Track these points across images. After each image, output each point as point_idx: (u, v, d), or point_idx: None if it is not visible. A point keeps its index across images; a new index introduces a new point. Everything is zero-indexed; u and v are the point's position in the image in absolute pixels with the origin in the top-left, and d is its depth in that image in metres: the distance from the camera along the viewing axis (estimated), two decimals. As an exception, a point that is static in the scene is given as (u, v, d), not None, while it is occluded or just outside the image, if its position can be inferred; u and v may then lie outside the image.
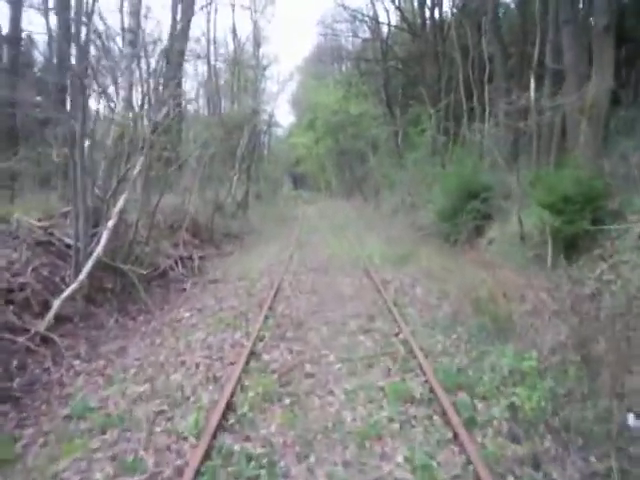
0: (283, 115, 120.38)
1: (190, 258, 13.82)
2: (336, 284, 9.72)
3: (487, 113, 20.02)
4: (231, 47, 33.41)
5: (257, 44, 33.67)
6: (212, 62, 28.65)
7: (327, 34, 39.14)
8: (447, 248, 14.48)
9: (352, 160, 38.07)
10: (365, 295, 8.71)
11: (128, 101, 10.23)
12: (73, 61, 8.72)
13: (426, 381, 5.00)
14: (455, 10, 26.96)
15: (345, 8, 31.15)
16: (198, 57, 30.08)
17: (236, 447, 3.99)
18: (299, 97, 54.71)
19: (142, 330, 7.70)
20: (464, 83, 22.09)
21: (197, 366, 5.71)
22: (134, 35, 10.65)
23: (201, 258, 14.60)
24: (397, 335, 6.45)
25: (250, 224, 21.54)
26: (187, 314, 8.40)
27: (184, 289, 10.95)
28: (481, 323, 6.41)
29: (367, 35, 34.98)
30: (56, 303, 6.90)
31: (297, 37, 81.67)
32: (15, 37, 16.82)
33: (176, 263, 12.81)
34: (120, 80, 10.81)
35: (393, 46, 34.46)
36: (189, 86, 30.36)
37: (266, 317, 7.41)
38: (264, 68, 32.28)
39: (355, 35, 35.58)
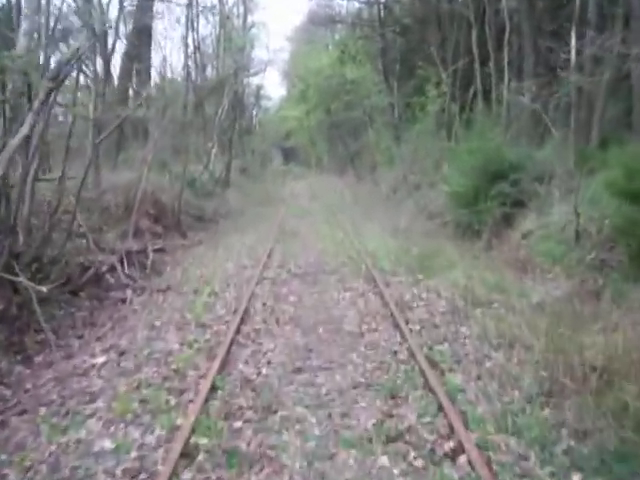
0: (274, 87, 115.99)
1: (143, 252, 10.66)
2: (331, 306, 6.56)
3: (506, 79, 16.79)
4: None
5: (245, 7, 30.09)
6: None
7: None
8: (469, 242, 11.44)
9: (345, 134, 34.64)
10: (377, 335, 5.51)
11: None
12: None
13: None
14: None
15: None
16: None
17: None
18: (290, 69, 50.78)
19: (30, 386, 4.62)
20: (477, 45, 18.75)
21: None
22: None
23: (159, 251, 11.42)
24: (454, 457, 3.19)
25: (229, 204, 18.30)
26: (100, 359, 5.27)
27: (123, 301, 7.81)
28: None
29: (364, -4, 31.32)
30: None
31: (289, 4, 76.96)
32: None
33: (121, 261, 9.66)
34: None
35: (392, 9, 30.88)
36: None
37: (213, 388, 4.24)
38: (250, 27, 28.62)
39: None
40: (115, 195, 12.44)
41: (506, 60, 16.82)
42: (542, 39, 15.75)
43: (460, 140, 16.73)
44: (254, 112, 47.26)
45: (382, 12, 30.46)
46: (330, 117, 37.20)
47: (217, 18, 23.47)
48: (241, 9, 30.29)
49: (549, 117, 16.61)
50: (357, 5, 35.23)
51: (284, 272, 8.37)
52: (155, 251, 11.25)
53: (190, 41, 19.67)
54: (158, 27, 25.74)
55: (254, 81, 45.69)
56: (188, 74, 17.75)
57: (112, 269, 9.29)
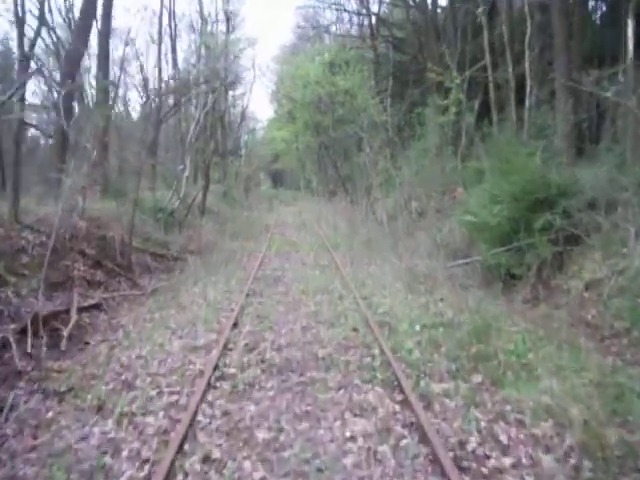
0: (263, 110, 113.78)
1: (64, 315, 7.56)
2: (332, 457, 3.45)
3: (529, 86, 14.00)
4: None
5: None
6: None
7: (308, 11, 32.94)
8: (506, 291, 8.45)
9: (335, 156, 31.78)
10: None
11: None
12: None
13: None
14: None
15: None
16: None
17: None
18: (278, 89, 48.06)
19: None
20: (489, 50, 15.98)
21: None
22: None
23: (93, 309, 8.34)
24: None
25: (202, 237, 15.16)
26: None
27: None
28: None
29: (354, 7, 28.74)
30: None
31: (276, 23, 75.02)
32: None
33: (23, 332, 6.62)
34: None
35: (386, 20, 28.36)
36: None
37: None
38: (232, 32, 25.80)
39: (340, 8, 29.23)
40: (40, 232, 9.30)
41: (527, 63, 14.04)
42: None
43: (477, 158, 13.82)
44: (241, 134, 44.44)
45: (374, 24, 27.96)
46: (319, 138, 34.42)
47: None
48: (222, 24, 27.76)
49: (583, 130, 13.80)
50: (347, 18, 32.85)
51: (254, 362, 5.21)
52: (86, 309, 8.16)
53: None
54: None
55: (240, 102, 43.16)
56: (145, 80, 14.71)
57: (4, 345, 6.28)
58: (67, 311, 7.67)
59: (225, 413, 4.12)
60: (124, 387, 4.83)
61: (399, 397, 4.21)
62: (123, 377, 5.08)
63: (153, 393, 4.61)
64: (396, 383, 4.45)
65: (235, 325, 6.54)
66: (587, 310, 7.39)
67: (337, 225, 18.61)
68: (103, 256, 10.29)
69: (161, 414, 4.16)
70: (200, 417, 4.03)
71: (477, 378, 4.44)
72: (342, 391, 4.41)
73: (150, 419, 4.10)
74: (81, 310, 7.91)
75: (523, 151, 10.02)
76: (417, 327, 5.94)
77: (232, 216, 22.97)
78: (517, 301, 8.23)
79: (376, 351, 5.27)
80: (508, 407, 3.88)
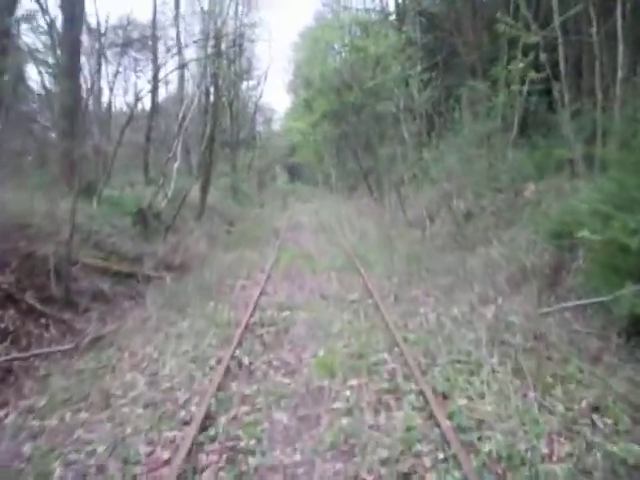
0: (279, 102, 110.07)
1: None
2: None
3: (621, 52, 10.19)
4: None
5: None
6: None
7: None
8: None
9: (357, 147, 27.98)
10: None
11: None
12: None
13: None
14: None
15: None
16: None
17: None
18: (295, 79, 44.15)
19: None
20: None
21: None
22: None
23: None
24: None
25: (194, 245, 11.63)
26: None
27: None
28: None
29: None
30: None
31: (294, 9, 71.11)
32: None
33: None
34: None
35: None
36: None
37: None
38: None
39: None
40: None
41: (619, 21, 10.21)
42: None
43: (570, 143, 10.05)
44: (255, 124, 40.88)
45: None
46: (339, 128, 30.68)
47: None
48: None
49: None
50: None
51: None
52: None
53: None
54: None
55: (254, 93, 39.60)
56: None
57: None
58: None
59: None
60: None
61: None
62: None
63: None
64: None
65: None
66: None
67: (362, 229, 14.91)
68: (28, 284, 6.82)
69: None
70: None
71: None
72: None
73: None
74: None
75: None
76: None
77: (239, 215, 19.45)
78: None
79: None
80: None
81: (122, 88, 29.40)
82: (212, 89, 15.87)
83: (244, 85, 39.17)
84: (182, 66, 17.00)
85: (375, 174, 25.13)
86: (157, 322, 6.30)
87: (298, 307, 6.80)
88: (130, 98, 24.30)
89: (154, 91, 17.29)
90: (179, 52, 16.18)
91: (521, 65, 10.99)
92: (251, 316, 6.31)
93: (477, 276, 7.44)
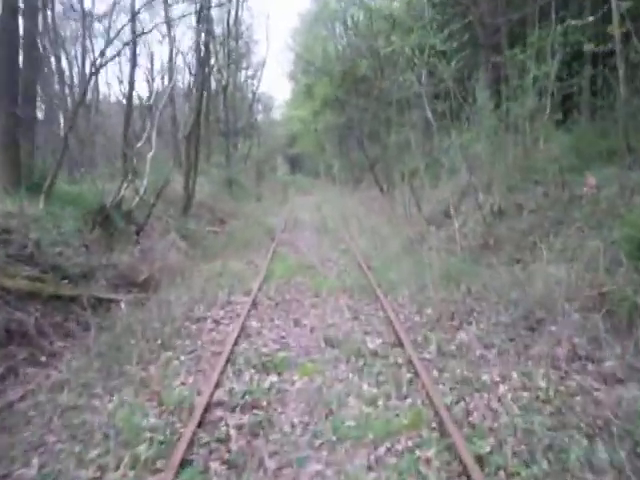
0: (279, 91, 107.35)
1: None
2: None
3: None
4: None
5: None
6: None
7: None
8: None
9: (362, 135, 25.55)
10: None
11: None
12: None
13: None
14: None
15: None
16: None
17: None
18: (295, 72, 41.40)
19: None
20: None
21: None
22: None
23: None
24: None
25: (165, 255, 9.23)
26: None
27: None
28: None
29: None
30: None
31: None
32: None
33: None
34: None
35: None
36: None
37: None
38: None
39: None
40: None
41: None
42: None
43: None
44: (253, 113, 38.36)
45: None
46: (342, 115, 28.25)
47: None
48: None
49: None
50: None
51: None
52: None
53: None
54: None
55: (252, 82, 37.10)
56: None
57: None
58: None
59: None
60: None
61: None
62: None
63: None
64: None
65: None
66: None
67: (373, 229, 12.54)
68: None
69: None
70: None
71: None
72: None
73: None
74: None
75: None
76: None
77: (232, 211, 17.05)
78: None
79: None
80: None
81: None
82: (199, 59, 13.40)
83: (243, 74, 36.77)
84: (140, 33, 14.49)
85: (383, 164, 22.71)
86: (68, 398, 3.95)
87: (292, 364, 4.44)
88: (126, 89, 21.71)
89: (133, 68, 14.86)
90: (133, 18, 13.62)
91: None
92: (217, 386, 3.97)
93: (548, 308, 5.07)
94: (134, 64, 14.35)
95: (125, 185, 10.61)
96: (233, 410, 3.64)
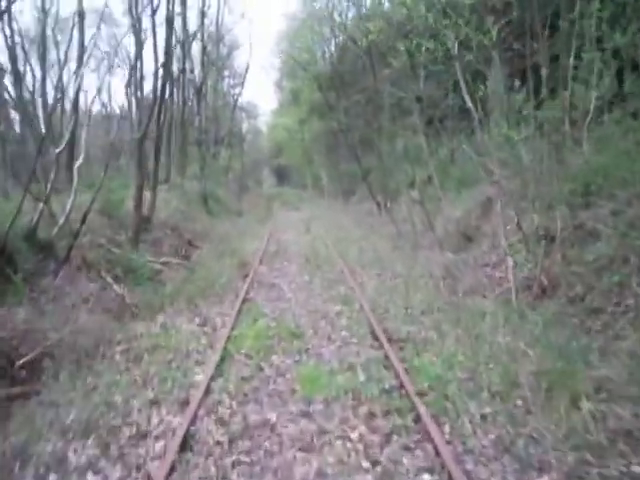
0: (265, 103, 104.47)
1: None
2: None
3: None
4: None
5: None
6: None
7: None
8: None
9: (353, 144, 22.61)
10: None
11: None
12: None
13: None
14: None
15: None
16: None
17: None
18: (281, 80, 38.48)
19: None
20: None
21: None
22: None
23: None
24: None
25: (70, 319, 6.01)
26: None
27: None
28: None
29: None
30: None
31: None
32: None
33: None
34: None
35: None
36: None
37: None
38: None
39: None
40: None
41: None
42: None
43: None
44: (236, 122, 35.35)
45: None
46: (330, 123, 25.33)
47: None
48: None
49: None
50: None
51: None
52: None
53: None
54: None
55: (235, 91, 34.17)
56: None
57: None
58: None
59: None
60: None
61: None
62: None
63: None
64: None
65: None
66: None
67: (379, 259, 9.49)
68: None
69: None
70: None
71: None
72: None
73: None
74: None
75: None
76: None
77: (204, 232, 13.93)
78: None
79: None
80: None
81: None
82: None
83: (226, 82, 33.88)
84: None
85: (378, 173, 19.67)
86: None
87: None
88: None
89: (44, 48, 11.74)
90: None
91: None
92: None
93: None
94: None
95: (40, 206, 7.54)
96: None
